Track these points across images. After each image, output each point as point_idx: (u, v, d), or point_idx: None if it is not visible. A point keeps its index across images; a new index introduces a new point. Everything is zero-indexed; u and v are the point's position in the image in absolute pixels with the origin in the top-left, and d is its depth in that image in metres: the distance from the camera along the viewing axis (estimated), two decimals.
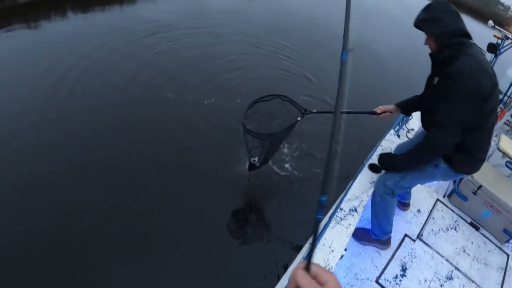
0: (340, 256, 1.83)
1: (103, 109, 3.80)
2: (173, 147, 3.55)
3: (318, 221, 0.61)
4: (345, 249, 1.93)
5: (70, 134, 3.42)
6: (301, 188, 3.48)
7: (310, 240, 0.62)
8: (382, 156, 2.22)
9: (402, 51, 5.93)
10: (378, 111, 2.33)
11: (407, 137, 3.15)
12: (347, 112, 2.33)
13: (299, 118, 2.64)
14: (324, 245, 1.85)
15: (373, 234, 2.44)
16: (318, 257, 1.80)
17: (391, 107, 2.36)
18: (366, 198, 2.14)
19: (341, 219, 1.98)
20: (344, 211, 2.01)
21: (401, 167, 2.08)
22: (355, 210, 2.04)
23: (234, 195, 3.26)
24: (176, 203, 3.06)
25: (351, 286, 2.20)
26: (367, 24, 7.71)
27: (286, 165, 3.75)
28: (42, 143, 3.27)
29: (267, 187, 3.41)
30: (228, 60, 5.20)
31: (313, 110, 2.59)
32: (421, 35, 1.92)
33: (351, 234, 1.94)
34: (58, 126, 3.48)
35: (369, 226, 2.45)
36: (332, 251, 1.83)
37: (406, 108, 2.35)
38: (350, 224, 1.96)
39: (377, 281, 2.27)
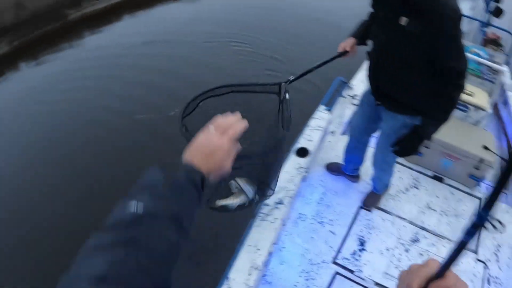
0: (267, 253, 1.78)
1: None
2: None
3: (465, 242, 0.52)
4: (274, 244, 1.88)
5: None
6: None
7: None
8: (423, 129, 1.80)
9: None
10: (347, 49, 1.97)
11: (353, 104, 3.04)
12: (323, 63, 1.92)
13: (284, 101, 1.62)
14: (249, 245, 1.80)
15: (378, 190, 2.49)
16: (243, 258, 1.75)
17: (353, 40, 1.98)
18: (294, 187, 2.06)
19: (266, 214, 1.92)
20: (269, 205, 1.95)
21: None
22: (281, 202, 1.97)
23: None
24: None
25: (307, 273, 2.14)
26: None
27: None
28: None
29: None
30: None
31: (290, 78, 1.76)
32: None
33: (278, 228, 1.89)
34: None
35: (314, 208, 2.42)
36: (258, 249, 1.78)
37: (363, 38, 2.01)
38: (276, 218, 1.90)
39: (334, 262, 2.21)
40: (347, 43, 1.96)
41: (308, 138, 2.35)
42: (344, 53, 1.97)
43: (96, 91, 4.79)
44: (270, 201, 1.96)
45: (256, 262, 1.74)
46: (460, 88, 1.66)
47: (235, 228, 2.63)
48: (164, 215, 0.54)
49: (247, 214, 2.77)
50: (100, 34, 6.02)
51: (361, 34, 1.99)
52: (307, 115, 2.59)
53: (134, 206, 0.52)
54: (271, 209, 1.94)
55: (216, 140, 0.68)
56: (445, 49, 1.58)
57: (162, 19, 6.64)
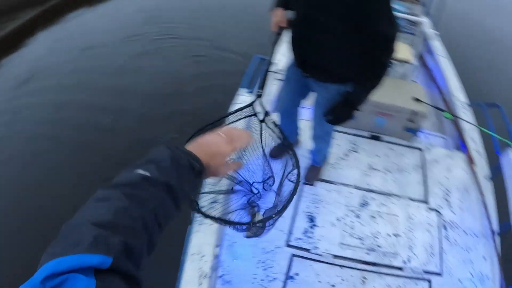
0: (213, 257, 1.73)
1: None
2: None
3: None
4: (217, 246, 1.82)
5: None
6: None
7: None
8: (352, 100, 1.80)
9: None
10: (282, 25, 1.81)
11: (278, 80, 2.99)
12: (272, 54, 1.85)
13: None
14: (192, 253, 1.73)
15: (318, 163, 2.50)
16: (190, 269, 1.68)
17: (281, 11, 1.80)
18: (227, 181, 1.99)
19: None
20: (204, 207, 1.87)
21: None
22: (216, 201, 1.90)
23: None
24: None
25: (263, 262, 2.09)
26: None
27: None
28: None
29: None
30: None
31: (258, 91, 1.67)
32: None
33: (219, 229, 1.83)
34: None
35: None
36: (203, 256, 1.72)
37: (287, 4, 1.84)
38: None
39: (288, 245, 2.18)
40: (279, 17, 1.79)
41: (234, 125, 2.29)
42: (281, 30, 1.82)
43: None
44: (204, 202, 1.88)
45: (204, 269, 1.67)
46: (390, 53, 1.60)
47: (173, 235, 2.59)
48: (164, 184, 0.61)
49: (183, 221, 2.70)
50: (16, 55, 5.61)
51: (286, 2, 1.80)
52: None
53: (142, 173, 0.60)
54: (206, 210, 1.86)
55: (222, 146, 0.75)
56: (375, 14, 1.49)
57: (79, 27, 6.31)
